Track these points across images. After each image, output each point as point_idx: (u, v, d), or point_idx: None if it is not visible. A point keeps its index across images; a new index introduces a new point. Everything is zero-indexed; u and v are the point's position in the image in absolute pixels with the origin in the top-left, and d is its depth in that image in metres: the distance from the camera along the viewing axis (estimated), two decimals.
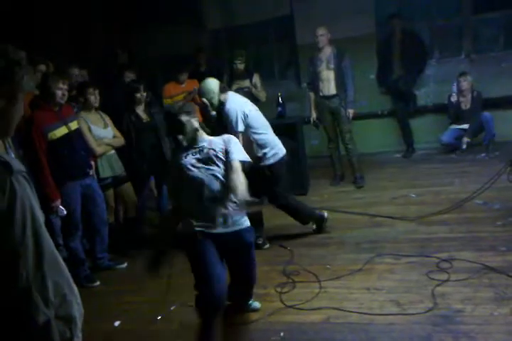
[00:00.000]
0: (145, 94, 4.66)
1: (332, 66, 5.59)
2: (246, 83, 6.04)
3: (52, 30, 6.37)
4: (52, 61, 4.54)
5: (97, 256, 4.23)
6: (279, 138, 5.72)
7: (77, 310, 1.55)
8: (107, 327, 3.33)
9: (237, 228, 2.83)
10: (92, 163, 4.16)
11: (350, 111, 5.67)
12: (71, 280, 1.54)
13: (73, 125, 3.87)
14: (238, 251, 2.88)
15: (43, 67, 4.21)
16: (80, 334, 1.57)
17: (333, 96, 5.66)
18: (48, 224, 4.01)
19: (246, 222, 2.89)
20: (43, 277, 1.41)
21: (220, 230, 2.79)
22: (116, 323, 3.36)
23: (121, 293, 3.82)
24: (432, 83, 6.95)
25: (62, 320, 1.47)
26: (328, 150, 5.98)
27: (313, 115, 5.89)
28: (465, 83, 6.30)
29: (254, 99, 6.07)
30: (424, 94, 6.95)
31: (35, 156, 3.63)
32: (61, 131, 3.74)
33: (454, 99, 6.46)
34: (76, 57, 5.70)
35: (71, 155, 3.82)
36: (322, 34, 5.53)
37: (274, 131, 5.74)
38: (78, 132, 3.95)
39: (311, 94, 5.87)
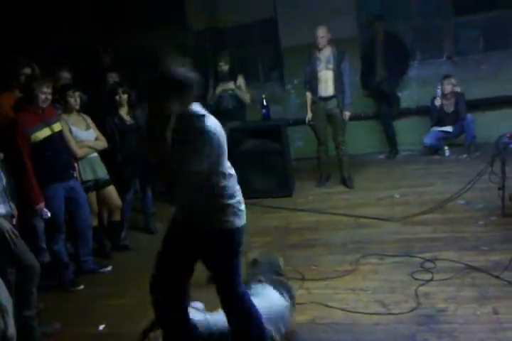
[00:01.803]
0: (125, 96, 4.64)
1: (331, 66, 5.56)
2: (230, 85, 6.04)
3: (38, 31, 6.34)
4: (41, 63, 4.49)
5: (81, 260, 4.19)
6: (264, 140, 5.77)
7: (7, 301, 1.55)
8: (92, 330, 3.30)
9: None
10: (75, 164, 4.12)
11: (347, 114, 5.64)
12: None
13: (56, 127, 3.83)
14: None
15: (27, 70, 4.16)
16: (13, 325, 1.57)
17: (330, 97, 5.64)
18: (31, 227, 3.97)
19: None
20: None
21: None
22: (101, 327, 3.33)
23: (106, 297, 3.79)
24: (415, 85, 7.03)
25: None
26: (317, 153, 5.95)
27: (309, 115, 5.84)
28: (449, 86, 6.37)
29: (239, 102, 6.09)
30: (407, 96, 7.02)
31: (19, 158, 3.58)
32: (44, 133, 3.71)
33: (437, 102, 6.52)
34: (61, 58, 5.64)
35: (54, 157, 3.78)
36: (323, 36, 5.51)
37: (258, 134, 5.79)
38: (61, 134, 3.92)
39: (308, 94, 5.81)
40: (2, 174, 2.99)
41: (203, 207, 2.37)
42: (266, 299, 2.76)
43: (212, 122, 2.31)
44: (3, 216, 2.95)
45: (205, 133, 2.20)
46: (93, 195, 4.40)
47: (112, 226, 4.76)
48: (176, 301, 2.50)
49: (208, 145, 2.19)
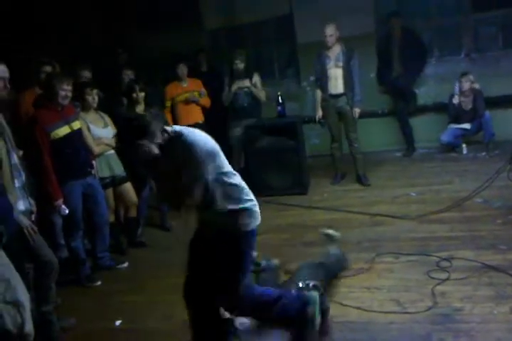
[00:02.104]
0: (142, 93, 4.67)
1: (341, 64, 5.55)
2: (246, 83, 6.04)
3: (52, 29, 6.40)
4: (60, 62, 4.54)
5: (97, 256, 4.24)
6: (279, 137, 5.77)
7: (24, 295, 1.58)
8: (108, 326, 3.34)
9: None
10: (93, 162, 4.17)
11: (357, 111, 5.63)
12: (13, 268, 1.58)
13: (75, 125, 3.87)
14: None
15: (48, 68, 4.22)
16: (30, 321, 1.60)
17: (340, 95, 5.62)
18: (50, 224, 4.02)
19: None
20: None
21: None
22: (117, 322, 3.37)
23: (122, 293, 3.83)
24: (432, 82, 6.96)
25: (10, 305, 1.50)
26: (330, 150, 5.94)
27: (319, 113, 5.83)
28: (467, 84, 6.30)
29: (254, 99, 6.10)
30: (424, 93, 6.95)
31: (39, 155, 3.63)
32: (63, 131, 3.75)
33: (455, 100, 6.45)
34: (76, 56, 5.69)
35: (73, 155, 3.82)
36: (331, 34, 5.48)
37: (273, 131, 5.79)
38: (80, 132, 3.96)
39: (318, 92, 5.82)
40: (21, 171, 3.03)
41: (218, 216, 2.42)
42: None
43: (188, 132, 2.43)
44: (23, 212, 3.00)
45: (188, 146, 2.32)
46: (110, 192, 4.45)
47: (129, 223, 4.81)
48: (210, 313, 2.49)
49: (197, 154, 2.29)
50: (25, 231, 2.91)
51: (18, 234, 2.80)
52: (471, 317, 2.84)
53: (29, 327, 1.58)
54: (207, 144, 2.41)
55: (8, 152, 2.90)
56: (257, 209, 2.57)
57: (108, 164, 4.38)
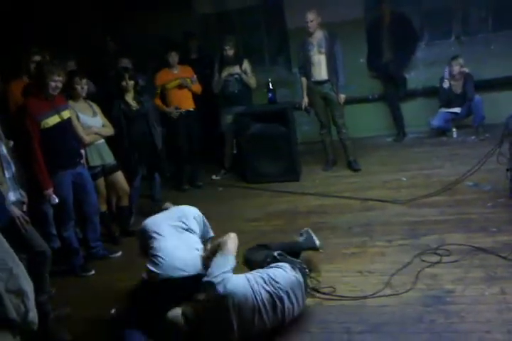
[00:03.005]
0: (132, 82, 4.64)
1: (323, 50, 5.53)
2: (236, 69, 6.02)
3: (40, 18, 6.31)
4: (49, 52, 4.49)
5: (91, 246, 4.24)
6: (270, 124, 5.76)
7: (27, 284, 1.60)
8: (103, 314, 3.36)
9: None
10: (82, 151, 4.15)
11: (342, 96, 5.64)
12: (16, 257, 1.59)
13: (65, 114, 3.84)
14: None
15: (37, 58, 4.17)
16: (34, 310, 1.61)
17: (325, 81, 5.62)
18: (41, 214, 4.01)
19: None
20: None
21: None
22: (112, 311, 3.38)
23: (116, 282, 3.84)
24: (422, 66, 6.94)
25: (13, 294, 1.52)
26: (320, 136, 5.96)
27: (305, 100, 5.85)
28: (457, 67, 6.29)
29: (245, 86, 6.07)
30: (415, 78, 6.94)
31: (29, 144, 3.60)
32: (53, 120, 3.72)
33: (446, 85, 6.45)
34: (64, 47, 5.62)
35: (62, 145, 3.80)
36: (312, 20, 5.45)
37: (264, 118, 5.77)
38: (70, 121, 3.93)
39: (303, 79, 5.82)
40: (11, 162, 3.02)
41: None
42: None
43: None
44: (14, 203, 2.99)
45: None
46: (101, 181, 4.43)
47: (121, 212, 4.80)
48: None
49: None
50: (17, 221, 2.90)
51: (10, 225, 2.80)
52: (462, 299, 2.88)
53: (33, 315, 1.60)
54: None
55: None
56: None
57: (98, 153, 4.36)
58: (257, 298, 2.68)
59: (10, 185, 2.98)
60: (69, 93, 4.21)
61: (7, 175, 2.97)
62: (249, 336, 2.70)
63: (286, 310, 2.77)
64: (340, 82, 5.59)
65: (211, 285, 2.64)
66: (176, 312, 2.71)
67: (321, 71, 5.60)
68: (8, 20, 5.97)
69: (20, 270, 1.59)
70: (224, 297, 2.61)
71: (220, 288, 2.61)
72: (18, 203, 3.08)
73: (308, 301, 3.10)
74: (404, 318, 2.79)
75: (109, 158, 4.45)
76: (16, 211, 2.93)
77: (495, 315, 2.69)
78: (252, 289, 2.70)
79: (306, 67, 5.70)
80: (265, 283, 2.76)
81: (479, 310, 2.75)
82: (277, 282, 2.79)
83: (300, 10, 5.74)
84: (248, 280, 2.74)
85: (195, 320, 2.69)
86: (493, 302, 2.80)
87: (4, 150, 2.96)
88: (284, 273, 2.88)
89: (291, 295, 2.80)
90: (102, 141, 4.42)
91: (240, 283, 2.70)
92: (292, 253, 3.31)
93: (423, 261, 3.38)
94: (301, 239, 3.64)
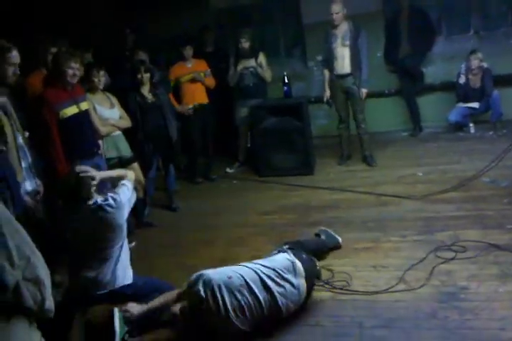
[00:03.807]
0: (148, 74, 4.65)
1: (347, 43, 5.44)
2: (251, 62, 6.00)
3: (55, 10, 6.32)
4: (65, 42, 4.51)
5: None
6: (285, 118, 5.74)
7: (44, 273, 1.62)
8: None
9: None
10: (100, 142, 4.16)
11: (364, 91, 5.55)
12: (33, 246, 1.61)
13: (83, 105, 3.86)
14: None
15: (54, 50, 4.19)
16: (51, 298, 1.63)
17: (347, 75, 5.53)
18: (58, 205, 4.05)
19: None
20: (4, 240, 1.48)
21: None
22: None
23: None
24: (440, 60, 6.86)
25: (30, 282, 1.54)
26: (337, 130, 5.89)
27: (327, 93, 5.77)
28: (476, 61, 6.20)
29: (260, 79, 6.05)
30: (432, 72, 6.86)
31: (47, 134, 3.63)
32: (71, 110, 3.74)
33: (462, 80, 6.36)
34: (80, 39, 5.63)
35: (80, 135, 3.81)
36: (337, 12, 5.36)
37: (279, 111, 5.76)
38: (87, 112, 3.95)
39: (326, 72, 5.73)
40: (27, 152, 3.04)
41: None
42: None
43: None
44: (29, 192, 3.02)
45: None
46: None
47: (136, 204, 4.81)
48: None
49: None
50: (30, 211, 2.93)
51: (24, 214, 2.84)
52: (476, 296, 2.86)
53: (49, 303, 1.62)
54: None
55: (14, 134, 2.91)
56: None
57: (115, 145, 4.38)
58: (236, 275, 2.75)
59: (26, 174, 3.02)
60: (87, 85, 4.24)
61: (23, 164, 3.00)
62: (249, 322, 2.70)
63: (274, 291, 2.75)
64: (363, 75, 5.50)
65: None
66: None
67: (343, 64, 5.51)
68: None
69: (38, 258, 1.62)
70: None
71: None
72: (33, 193, 3.11)
73: (321, 295, 3.10)
74: (418, 314, 2.78)
75: (126, 150, 4.48)
76: (30, 201, 2.96)
77: (509, 312, 2.66)
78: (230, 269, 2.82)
79: (329, 60, 5.62)
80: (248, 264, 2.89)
81: (493, 307, 2.72)
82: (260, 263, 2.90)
83: (316, 2, 5.71)
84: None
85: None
86: (508, 300, 2.77)
87: (21, 140, 2.99)
88: (275, 257, 2.99)
89: (276, 275, 2.82)
90: (119, 132, 4.44)
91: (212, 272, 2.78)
92: (319, 252, 3.43)
93: (438, 257, 3.35)
94: (322, 238, 3.68)
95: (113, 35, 6.47)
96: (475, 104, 6.38)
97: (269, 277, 2.80)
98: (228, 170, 6.31)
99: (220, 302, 2.63)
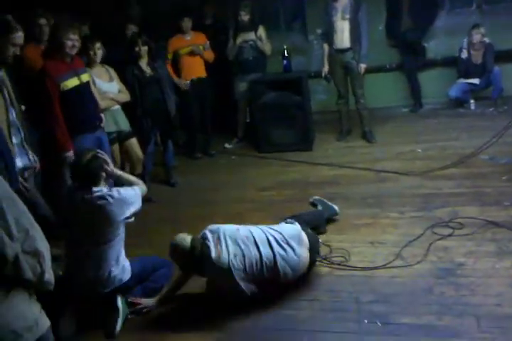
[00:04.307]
0: (145, 47, 4.58)
1: (347, 16, 5.33)
2: (251, 36, 5.91)
3: None
4: (57, 15, 4.42)
5: None
6: (284, 92, 5.68)
7: (43, 245, 1.63)
8: None
9: None
10: (102, 115, 4.12)
11: (362, 66, 5.46)
12: (32, 218, 1.62)
13: (84, 77, 3.83)
14: None
15: (43, 21, 4.12)
16: (51, 271, 1.64)
17: (347, 49, 5.44)
18: (58, 179, 4.05)
19: None
20: (2, 212, 1.51)
21: None
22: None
23: (130, 247, 3.84)
24: (442, 35, 6.76)
25: (29, 255, 1.55)
26: (336, 106, 5.84)
27: (326, 68, 5.69)
28: (477, 36, 6.11)
29: (260, 52, 5.97)
30: (434, 47, 6.77)
31: (50, 106, 3.60)
32: (72, 82, 3.70)
33: (464, 55, 6.28)
34: (77, 11, 5.51)
35: (81, 108, 3.78)
36: None
37: (279, 86, 5.69)
38: (88, 85, 3.91)
39: (325, 46, 5.64)
40: (20, 127, 3.00)
41: None
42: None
43: None
44: (20, 169, 2.98)
45: None
46: (116, 147, 4.43)
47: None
48: None
49: None
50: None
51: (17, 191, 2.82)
52: (472, 272, 2.88)
53: (49, 276, 1.64)
54: None
55: (6, 108, 2.87)
56: None
57: (114, 119, 4.34)
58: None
59: (17, 150, 2.98)
60: (85, 58, 4.18)
61: (14, 140, 2.97)
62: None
63: (276, 252, 2.81)
64: (362, 50, 5.41)
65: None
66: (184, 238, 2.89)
67: (343, 38, 5.41)
68: None
69: (37, 231, 1.62)
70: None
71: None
72: (27, 169, 3.08)
73: (319, 270, 3.13)
74: (414, 290, 2.80)
75: (125, 125, 4.44)
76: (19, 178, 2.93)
77: (506, 288, 2.68)
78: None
79: (328, 34, 5.52)
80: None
81: (490, 284, 2.75)
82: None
83: None
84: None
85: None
86: (504, 276, 2.80)
87: (14, 116, 2.95)
88: (283, 225, 3.09)
89: (281, 238, 2.88)
90: (118, 107, 4.39)
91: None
92: (317, 224, 3.50)
93: (435, 233, 3.37)
94: (319, 208, 3.70)
95: (116, 7, 6.32)
96: (476, 80, 6.32)
97: (274, 238, 2.87)
98: (227, 145, 6.28)
99: (224, 246, 2.76)
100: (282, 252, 2.83)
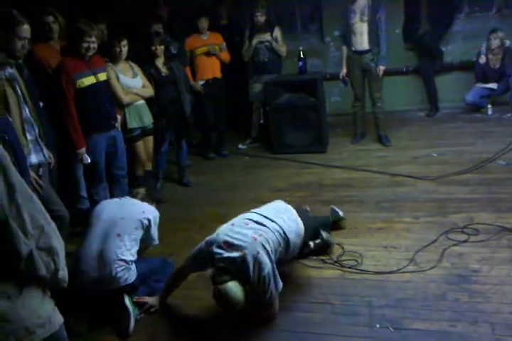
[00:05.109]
0: (162, 47, 4.59)
1: (366, 18, 5.30)
2: (267, 36, 5.90)
3: None
4: (70, 14, 4.43)
5: None
6: (299, 94, 5.66)
7: (58, 242, 1.62)
8: None
9: None
10: (118, 116, 4.14)
11: (381, 68, 5.41)
12: (47, 215, 1.61)
13: (102, 76, 3.84)
14: None
15: (50, 19, 4.12)
16: (65, 268, 1.64)
17: (366, 51, 5.40)
18: (72, 175, 4.07)
19: None
20: (17, 209, 1.48)
21: None
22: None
23: None
24: (460, 39, 6.71)
25: (44, 251, 1.55)
26: (352, 108, 5.80)
27: (344, 70, 5.65)
28: (496, 41, 6.04)
29: (275, 54, 5.96)
30: (452, 51, 6.72)
31: (64, 103, 3.62)
32: (89, 80, 3.72)
33: (482, 60, 6.22)
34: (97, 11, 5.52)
35: (96, 106, 3.79)
36: None
37: (294, 88, 5.67)
38: (106, 84, 3.93)
39: (344, 48, 5.60)
40: (34, 124, 3.02)
41: None
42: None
43: None
44: (33, 165, 2.99)
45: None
46: (140, 144, 4.44)
47: (146, 176, 4.82)
48: None
49: None
50: (30, 185, 2.91)
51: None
52: (487, 279, 2.84)
53: (63, 273, 1.64)
54: None
55: (19, 105, 2.89)
56: None
57: (138, 114, 4.35)
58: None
59: (32, 147, 3.00)
60: (110, 55, 4.21)
61: (29, 137, 2.98)
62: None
63: (275, 220, 2.88)
64: (381, 52, 5.36)
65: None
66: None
67: (362, 40, 5.37)
68: None
69: (52, 228, 1.62)
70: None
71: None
72: (42, 165, 3.09)
73: (331, 273, 3.12)
74: (427, 295, 2.77)
75: (148, 121, 4.46)
76: (32, 175, 2.94)
77: None
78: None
79: (347, 36, 5.49)
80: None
81: (505, 291, 2.71)
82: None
83: None
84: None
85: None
86: None
87: (28, 112, 2.97)
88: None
89: (272, 212, 2.96)
90: (142, 102, 4.40)
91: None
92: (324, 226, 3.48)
93: (449, 239, 3.33)
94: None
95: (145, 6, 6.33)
96: (493, 85, 6.25)
97: (266, 212, 2.98)
98: (240, 146, 6.28)
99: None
100: (281, 221, 2.90)
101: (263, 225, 2.81)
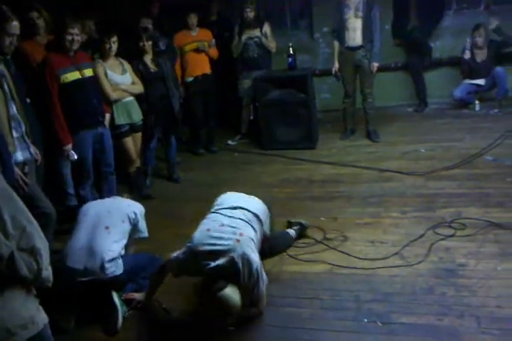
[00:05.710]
0: (150, 42, 4.57)
1: (360, 14, 5.29)
2: (256, 32, 5.89)
3: None
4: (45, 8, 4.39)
5: None
6: (289, 90, 5.66)
7: (41, 242, 1.61)
8: None
9: None
10: (107, 114, 4.12)
11: (375, 65, 5.41)
12: (29, 214, 1.60)
13: (87, 72, 3.82)
14: None
15: (35, 15, 4.09)
16: (49, 268, 1.63)
17: (358, 47, 5.40)
18: (58, 172, 4.04)
19: None
20: None
21: None
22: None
23: None
24: (449, 35, 6.74)
25: (25, 252, 1.54)
26: (342, 104, 5.81)
27: (336, 66, 5.64)
28: (480, 39, 6.08)
29: (264, 50, 5.95)
30: (440, 47, 6.75)
31: (48, 98, 3.60)
32: (73, 76, 3.69)
33: (466, 56, 6.25)
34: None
35: (82, 102, 3.77)
36: None
37: (283, 84, 5.67)
38: (92, 80, 3.90)
39: (336, 44, 5.59)
40: (21, 121, 2.99)
41: None
42: None
43: None
44: (17, 163, 2.96)
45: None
46: (129, 140, 4.43)
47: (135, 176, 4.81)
48: None
49: None
50: (16, 183, 2.89)
51: (13, 185, 2.81)
52: (474, 273, 2.87)
53: (47, 273, 1.62)
54: None
55: (6, 102, 2.86)
56: None
57: (126, 111, 4.34)
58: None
59: (18, 144, 2.97)
60: (100, 51, 4.20)
61: (15, 134, 2.96)
62: None
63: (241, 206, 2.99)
64: (375, 49, 5.37)
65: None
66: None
67: (355, 36, 5.36)
68: None
69: (35, 228, 1.60)
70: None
71: None
72: (28, 162, 3.07)
73: (320, 268, 3.13)
74: (415, 289, 2.79)
75: (137, 117, 4.45)
76: (18, 172, 2.92)
77: (507, 290, 2.67)
78: None
79: (340, 31, 5.47)
80: None
81: (490, 285, 2.74)
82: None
83: None
84: None
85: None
86: (506, 278, 2.78)
87: (15, 110, 2.94)
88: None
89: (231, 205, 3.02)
90: (131, 98, 4.39)
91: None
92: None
93: (437, 233, 3.36)
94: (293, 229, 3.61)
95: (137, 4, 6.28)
96: (481, 81, 6.29)
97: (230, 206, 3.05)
98: (230, 142, 6.27)
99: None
100: (244, 204, 3.03)
101: (235, 218, 2.84)
